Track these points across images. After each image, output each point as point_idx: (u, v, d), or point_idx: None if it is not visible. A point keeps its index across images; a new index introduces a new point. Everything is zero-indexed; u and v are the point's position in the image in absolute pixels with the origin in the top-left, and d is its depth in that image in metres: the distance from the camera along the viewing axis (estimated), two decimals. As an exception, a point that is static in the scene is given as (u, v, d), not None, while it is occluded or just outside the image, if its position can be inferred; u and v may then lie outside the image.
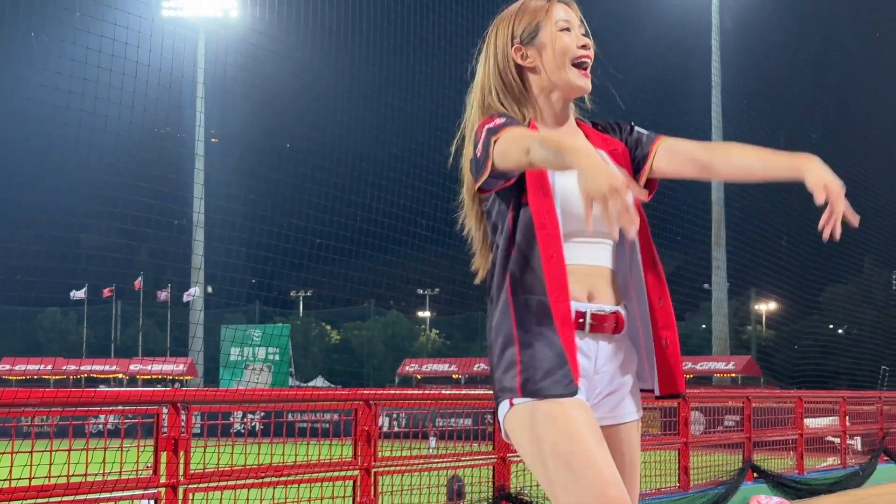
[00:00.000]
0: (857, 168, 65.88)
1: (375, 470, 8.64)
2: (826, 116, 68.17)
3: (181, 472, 7.27)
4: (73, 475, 6.63)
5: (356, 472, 8.52)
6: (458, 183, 3.56)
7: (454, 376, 60.00)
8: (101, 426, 7.53)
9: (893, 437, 18.65)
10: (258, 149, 59.89)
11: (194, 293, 52.88)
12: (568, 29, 3.40)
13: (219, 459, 7.71)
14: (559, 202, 3.27)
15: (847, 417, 17.37)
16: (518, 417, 3.23)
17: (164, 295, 59.56)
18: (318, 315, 72.61)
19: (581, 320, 3.27)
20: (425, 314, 75.22)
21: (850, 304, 65.18)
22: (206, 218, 47.40)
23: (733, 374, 52.87)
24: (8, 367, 53.26)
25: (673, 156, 3.45)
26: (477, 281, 3.57)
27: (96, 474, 6.84)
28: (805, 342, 61.45)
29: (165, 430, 7.25)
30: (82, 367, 55.84)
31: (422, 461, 9.40)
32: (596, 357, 3.31)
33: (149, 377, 54.53)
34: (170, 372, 53.99)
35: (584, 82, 3.41)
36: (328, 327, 73.92)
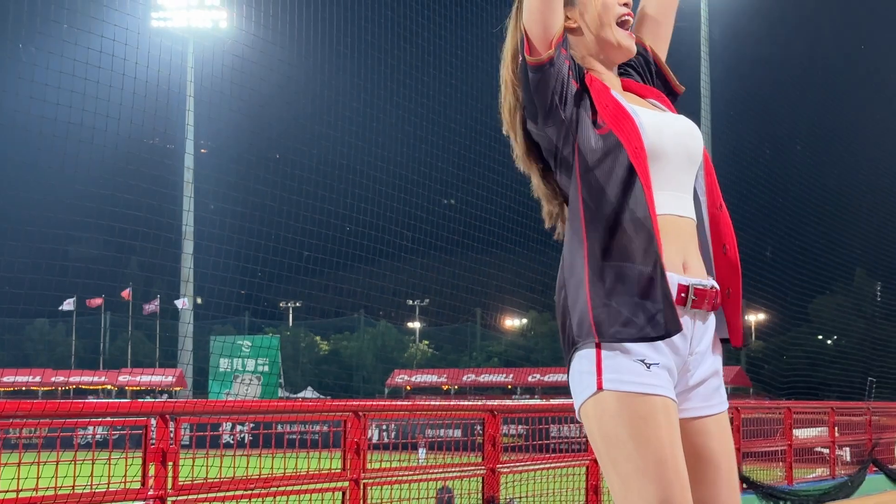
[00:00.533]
0: (846, 179, 66.18)
1: (365, 481, 8.62)
2: (814, 128, 68.44)
3: (170, 483, 7.24)
4: (61, 487, 6.60)
5: (345, 484, 8.50)
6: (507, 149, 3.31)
7: (444, 387, 59.95)
8: (89, 438, 7.51)
9: (882, 448, 18.68)
10: (247, 160, 59.86)
11: (185, 302, 52.78)
12: None
13: (207, 471, 7.69)
14: (651, 135, 3.04)
15: (836, 428, 17.38)
16: (601, 408, 2.98)
17: (151, 307, 59.39)
18: (308, 326, 72.49)
19: (683, 295, 3.00)
20: (415, 325, 75.18)
21: (840, 315, 65.36)
22: (195, 229, 47.36)
23: (723, 385, 52.88)
24: (-4, 378, 53.13)
25: (653, 27, 3.39)
26: (556, 236, 3.30)
27: (84, 486, 6.82)
28: (794, 353, 61.56)
29: (154, 441, 7.23)
30: (71, 379, 55.66)
31: (411, 472, 9.38)
32: (691, 336, 3.06)
33: (137, 388, 54.38)
34: (158, 383, 53.85)
35: (629, 42, 3.22)
36: (318, 338, 73.82)
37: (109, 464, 7.10)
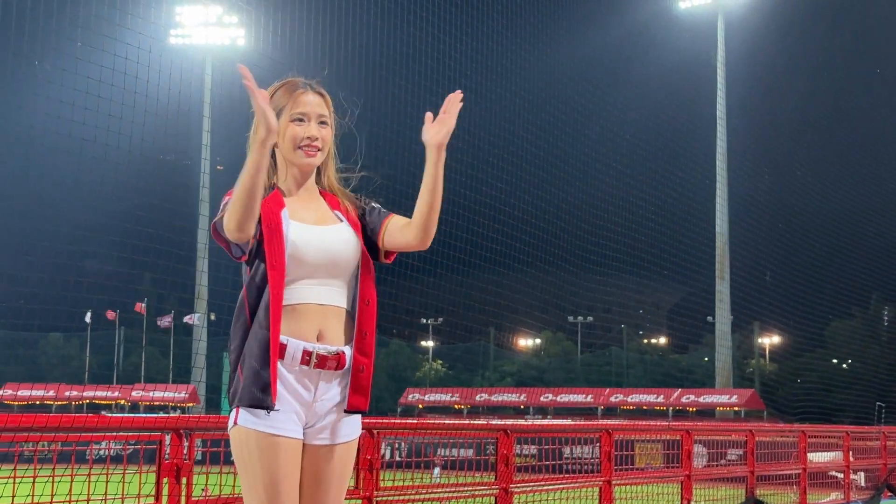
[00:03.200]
0: (867, 203, 65.95)
1: (378, 499, 8.61)
2: (835, 154, 68.26)
3: (183, 499, 7.25)
4: (75, 502, 6.61)
5: (358, 502, 8.49)
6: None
7: (456, 406, 59.88)
8: (103, 452, 7.52)
9: (897, 473, 18.57)
10: (263, 177, 59.92)
11: (195, 318, 52.84)
12: (302, 120, 4.19)
13: (220, 487, 7.69)
14: (294, 248, 4.04)
15: (851, 452, 17.30)
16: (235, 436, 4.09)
17: (165, 322, 59.46)
18: (321, 344, 72.53)
19: (307, 357, 4.04)
20: (428, 344, 75.14)
21: (855, 339, 65.04)
22: (210, 245, 47.41)
23: (736, 408, 52.70)
24: (10, 392, 53.20)
25: (395, 231, 4.23)
26: None
27: (99, 501, 6.83)
28: (809, 376, 61.27)
29: (168, 456, 7.23)
30: (84, 393, 55.75)
31: (424, 491, 9.37)
32: (316, 388, 4.07)
33: (151, 404, 54.44)
34: (172, 399, 53.89)
35: (305, 161, 4.18)
36: (331, 355, 73.77)
37: (124, 478, 7.11)
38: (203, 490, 7.59)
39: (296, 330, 4.04)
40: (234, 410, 4.06)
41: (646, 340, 78.06)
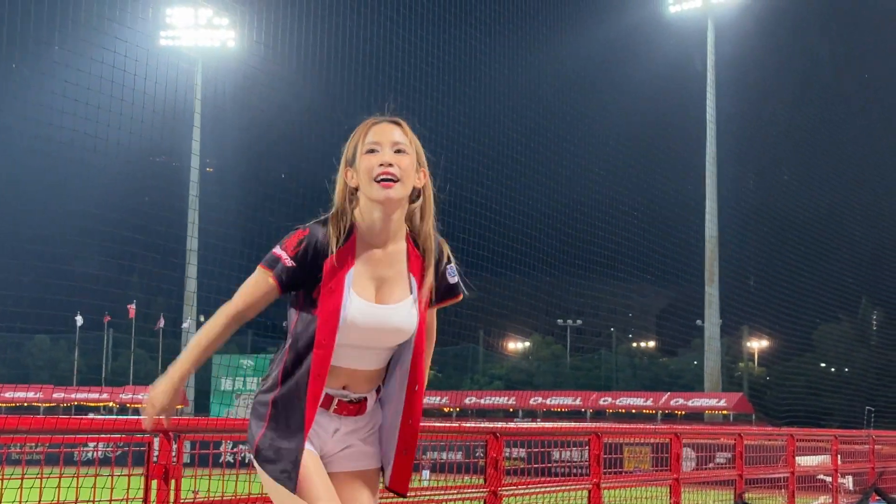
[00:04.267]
0: (856, 208, 66.12)
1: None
2: (823, 158, 68.43)
3: (171, 501, 7.23)
4: (62, 503, 6.59)
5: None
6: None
7: (445, 409, 59.86)
8: (91, 454, 7.49)
9: (886, 477, 18.62)
10: (253, 178, 59.93)
11: (189, 323, 52.76)
12: (374, 150, 3.94)
13: (209, 489, 7.67)
14: (347, 327, 3.91)
15: (839, 456, 17.33)
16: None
17: (160, 323, 59.44)
18: (310, 346, 72.48)
19: (329, 402, 3.99)
20: (417, 346, 75.11)
21: (843, 343, 65.18)
22: (200, 246, 47.38)
23: (725, 411, 52.77)
24: (-2, 393, 53.01)
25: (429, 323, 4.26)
26: None
27: (87, 503, 6.81)
28: (797, 380, 61.40)
29: (156, 459, 7.21)
30: (72, 396, 55.60)
31: (413, 493, 9.35)
32: (335, 430, 4.04)
33: (139, 406, 54.31)
34: (160, 401, 53.75)
35: (381, 194, 3.90)
36: (320, 358, 73.73)
37: (112, 481, 7.10)
38: (192, 493, 7.57)
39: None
40: (256, 442, 4.08)
41: (635, 344, 78.16)
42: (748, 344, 67.27)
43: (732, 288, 59.78)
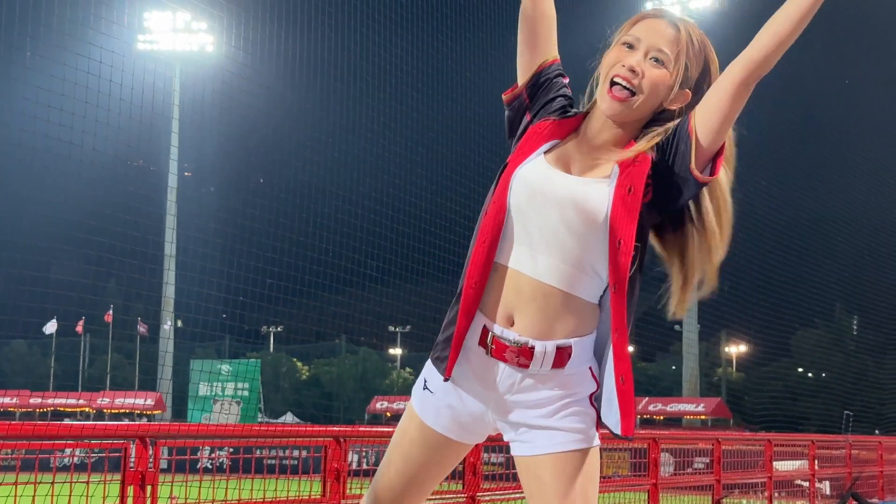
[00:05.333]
0: (832, 214, 66.44)
1: (344, 508, 8.57)
2: (796, 164, 68.77)
3: (148, 507, 7.19)
4: (37, 510, 6.55)
5: (325, 510, 8.45)
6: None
7: (424, 415, 59.76)
8: (67, 460, 7.45)
9: (863, 482, 18.69)
10: (232, 183, 59.82)
11: (168, 326, 52.56)
12: (631, 45, 3.22)
13: (186, 495, 7.64)
14: (517, 188, 3.20)
15: (816, 461, 17.39)
16: None
17: (142, 328, 59.22)
18: (289, 351, 72.30)
19: (484, 340, 3.20)
20: (396, 351, 75.01)
21: (820, 349, 65.46)
22: (178, 251, 47.21)
23: (703, 416, 52.91)
24: (-27, 399, 52.70)
25: (712, 111, 3.11)
26: None
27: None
28: (775, 385, 61.63)
29: (133, 465, 7.18)
30: (49, 401, 55.30)
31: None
32: (497, 381, 3.22)
33: (116, 411, 54.07)
34: (138, 406, 53.55)
35: (605, 101, 3.21)
36: (298, 363, 73.60)
37: (88, 486, 7.06)
38: (169, 499, 7.54)
39: (487, 299, 3.20)
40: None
41: (613, 349, 78.20)
42: (726, 349, 67.49)
43: (710, 293, 59.96)
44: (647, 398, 55.94)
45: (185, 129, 53.24)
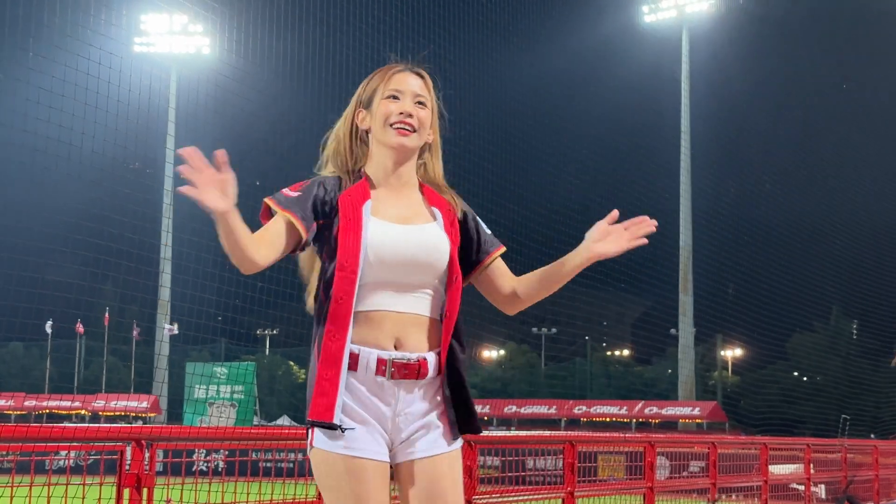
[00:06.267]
0: (828, 218, 66.45)
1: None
2: (793, 166, 68.70)
3: (143, 510, 7.18)
4: (33, 512, 6.54)
5: (320, 513, 8.45)
6: None
7: (420, 418, 59.82)
8: (63, 463, 7.45)
9: (857, 485, 18.71)
10: (227, 186, 59.65)
11: (175, 329, 52.51)
12: (396, 98, 3.84)
13: (181, 497, 7.64)
14: (371, 249, 3.66)
15: (812, 465, 17.40)
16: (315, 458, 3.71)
17: (136, 332, 59.12)
18: (285, 354, 72.20)
19: (383, 367, 3.64)
20: (392, 355, 74.97)
21: (816, 353, 65.49)
22: (174, 254, 47.15)
23: (699, 420, 52.93)
24: (-32, 401, 52.66)
25: (500, 274, 3.95)
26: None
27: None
28: (771, 389, 61.65)
29: (129, 467, 7.17)
30: (44, 403, 55.24)
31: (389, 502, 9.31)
32: (397, 402, 3.67)
33: (112, 414, 54.03)
34: (133, 409, 53.51)
35: (395, 140, 3.81)
36: (295, 366, 73.52)
37: (84, 489, 7.05)
38: (165, 501, 7.54)
39: (370, 338, 3.65)
40: (310, 430, 3.69)
41: (609, 352, 78.27)
42: (722, 353, 67.50)
43: (706, 297, 60.01)
44: (642, 402, 55.94)
45: (181, 131, 53.20)
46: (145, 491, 7.18)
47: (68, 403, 55.65)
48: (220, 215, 3.48)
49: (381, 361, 3.64)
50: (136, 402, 53.81)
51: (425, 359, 3.69)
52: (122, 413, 53.49)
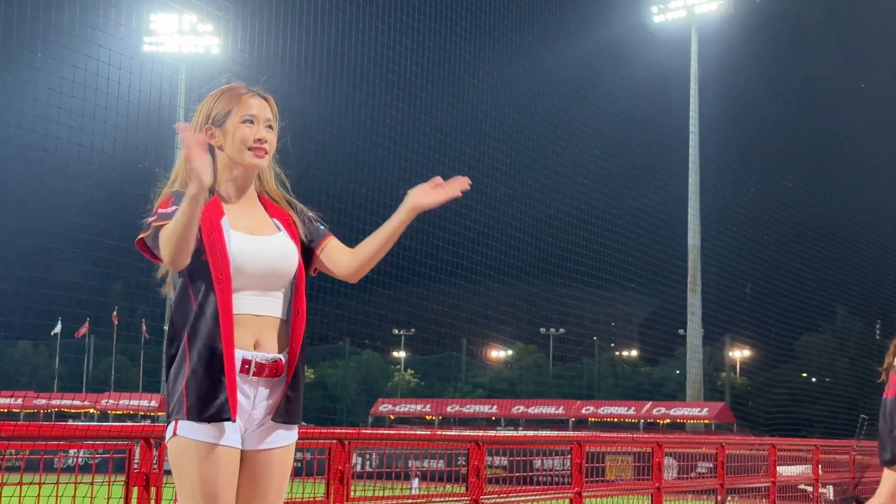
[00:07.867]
0: (835, 219, 66.32)
1: (348, 510, 8.58)
2: (806, 166, 68.54)
3: (152, 508, 7.20)
4: (42, 510, 6.56)
5: (328, 512, 8.46)
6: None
7: (427, 417, 59.80)
8: (71, 461, 7.47)
9: (866, 487, 18.66)
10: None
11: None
12: (251, 121, 4.25)
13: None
14: (236, 261, 4.05)
15: (820, 466, 17.37)
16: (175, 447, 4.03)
17: (146, 331, 59.22)
18: (293, 353, 72.26)
19: (247, 366, 4.05)
20: (400, 354, 75.01)
21: (825, 353, 65.33)
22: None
23: (707, 421, 52.86)
24: (-23, 400, 52.76)
25: (334, 254, 4.37)
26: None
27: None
28: (779, 390, 61.53)
29: (137, 465, 7.19)
30: (53, 402, 55.34)
31: (394, 501, 9.35)
32: (255, 396, 4.09)
33: (120, 412, 54.12)
34: (142, 407, 53.60)
35: (254, 162, 4.23)
36: (302, 365, 73.49)
37: (92, 487, 7.07)
38: (173, 500, 7.55)
39: (235, 340, 4.06)
40: (174, 422, 4.03)
41: (617, 353, 78.21)
42: (730, 353, 67.40)
43: (715, 297, 59.91)
44: (650, 402, 55.91)
45: (191, 131, 53.27)
46: (153, 490, 7.19)
47: (77, 402, 55.76)
48: (199, 193, 3.77)
49: (244, 361, 4.06)
50: (144, 401, 53.89)
51: (280, 359, 4.13)
52: (131, 412, 53.56)
